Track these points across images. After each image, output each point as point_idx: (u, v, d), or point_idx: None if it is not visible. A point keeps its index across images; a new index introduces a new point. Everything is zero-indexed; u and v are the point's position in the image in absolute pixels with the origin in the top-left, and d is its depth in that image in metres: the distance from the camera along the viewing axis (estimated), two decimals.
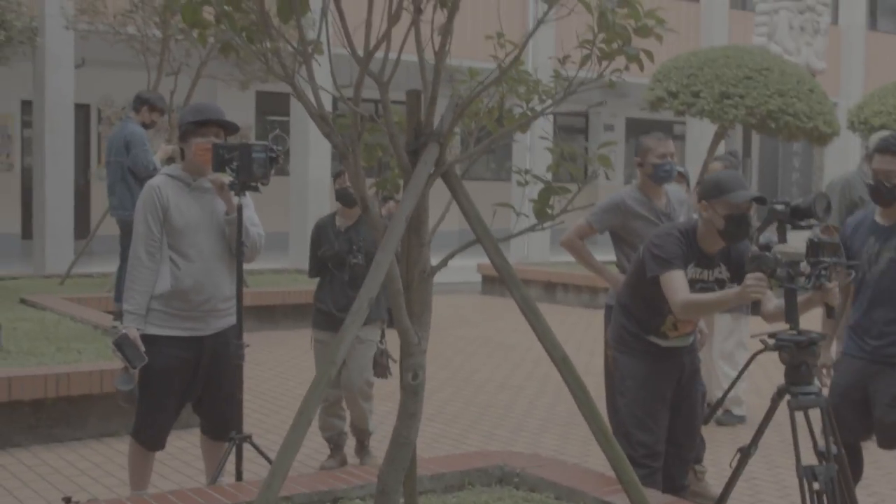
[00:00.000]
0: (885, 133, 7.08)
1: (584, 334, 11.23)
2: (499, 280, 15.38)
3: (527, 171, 3.38)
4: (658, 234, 4.37)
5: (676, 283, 4.15)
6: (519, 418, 7.41)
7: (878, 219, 4.80)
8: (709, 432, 6.42)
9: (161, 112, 9.43)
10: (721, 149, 16.48)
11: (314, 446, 6.29)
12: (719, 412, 7.35)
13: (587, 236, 5.52)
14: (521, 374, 9.03)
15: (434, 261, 3.25)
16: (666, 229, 4.41)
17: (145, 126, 9.21)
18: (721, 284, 4.39)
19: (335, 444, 5.99)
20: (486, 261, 15.87)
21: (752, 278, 3.86)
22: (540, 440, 6.75)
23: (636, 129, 22.51)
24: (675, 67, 15.22)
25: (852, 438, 4.84)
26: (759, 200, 4.13)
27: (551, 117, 17.06)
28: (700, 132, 19.15)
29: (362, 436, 6.02)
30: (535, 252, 18.28)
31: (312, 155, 15.73)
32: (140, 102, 9.26)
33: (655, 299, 4.32)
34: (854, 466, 4.89)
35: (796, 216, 3.94)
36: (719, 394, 7.21)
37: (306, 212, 15.54)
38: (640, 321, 4.51)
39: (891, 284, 4.70)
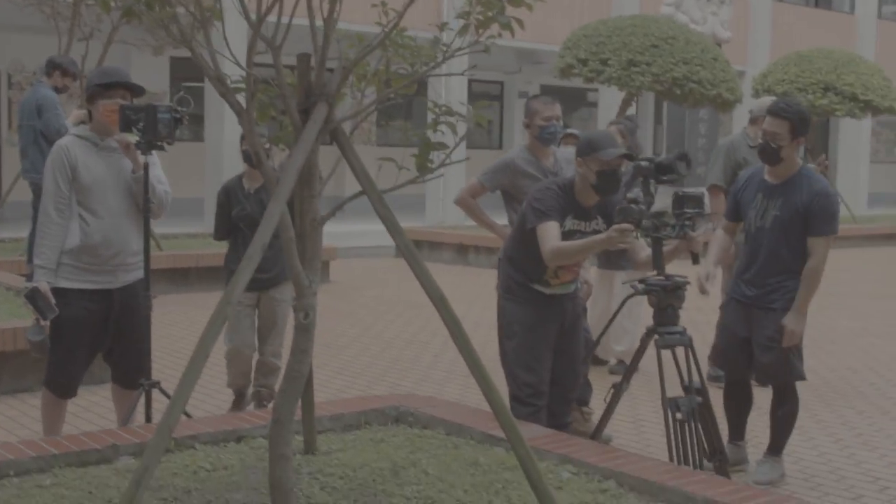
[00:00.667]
0: (767, 98, 7.54)
1: (494, 293, 11.58)
2: (415, 243, 15.66)
3: (409, 129, 3.68)
4: (538, 188, 4.71)
5: (549, 233, 4.49)
6: (424, 370, 7.75)
7: (766, 177, 5.21)
8: (599, 379, 6.82)
9: (73, 77, 9.50)
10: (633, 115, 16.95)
11: (224, 398, 6.54)
12: (613, 361, 7.79)
13: (479, 195, 5.85)
14: (429, 330, 9.36)
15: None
16: (546, 184, 4.75)
17: (58, 91, 9.30)
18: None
19: (241, 395, 6.21)
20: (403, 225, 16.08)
21: (616, 228, 4.22)
22: (443, 390, 7.08)
23: (550, 95, 22.90)
24: (584, 36, 15.64)
25: (739, 375, 5.33)
26: (628, 157, 4.49)
27: (465, 83, 17.14)
28: (612, 99, 19.61)
29: (267, 395, 6.17)
30: (449, 216, 18.61)
31: (227, 120, 15.78)
32: (52, 67, 9.33)
33: (538, 250, 4.65)
34: (744, 399, 5.45)
35: (660, 172, 4.31)
36: (617, 347, 7.64)
37: (221, 176, 15.55)
38: (525, 271, 4.85)
39: (773, 239, 5.12)
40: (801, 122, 5.04)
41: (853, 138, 26.33)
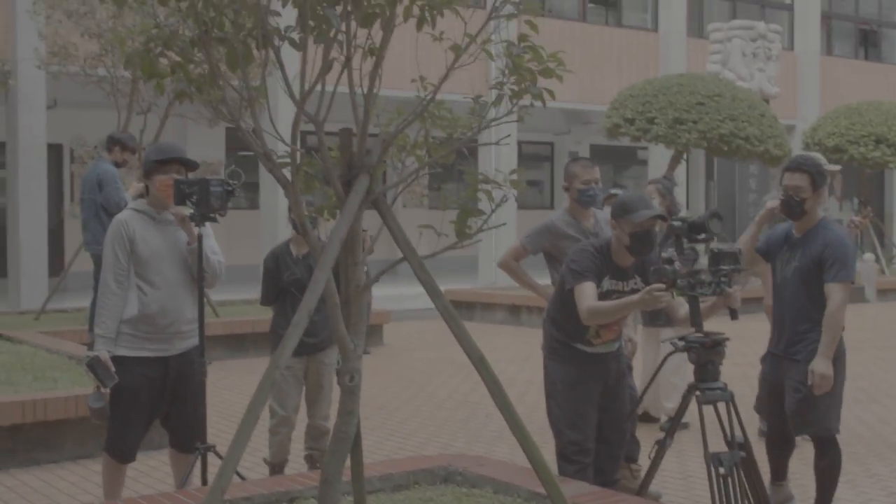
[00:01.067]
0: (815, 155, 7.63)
1: None
2: (463, 305, 15.65)
3: (458, 193, 3.83)
4: (576, 250, 4.84)
5: (585, 293, 4.61)
6: (475, 430, 7.83)
7: (793, 231, 5.35)
8: (650, 437, 6.84)
9: (132, 151, 9.87)
10: (682, 172, 17.02)
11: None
12: (663, 419, 7.81)
13: (522, 257, 5.98)
14: (480, 391, 9.40)
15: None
16: (583, 245, 4.89)
17: (117, 165, 9.67)
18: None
19: (279, 470, 6.20)
20: (450, 286, 16.11)
21: (649, 290, 4.33)
22: (493, 449, 7.15)
23: (600, 155, 23.06)
24: (630, 95, 15.82)
25: (779, 424, 5.36)
26: (661, 218, 4.61)
27: (515, 145, 17.39)
28: (661, 156, 19.72)
29: (319, 457, 6.17)
30: (501, 277, 18.70)
31: (281, 189, 16.11)
32: (112, 142, 9.71)
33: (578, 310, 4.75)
34: (784, 445, 5.51)
35: (693, 231, 4.42)
36: (667, 404, 7.67)
37: (276, 243, 15.88)
38: (567, 330, 4.95)
39: (794, 290, 5.23)
40: (819, 175, 5.25)
41: None
